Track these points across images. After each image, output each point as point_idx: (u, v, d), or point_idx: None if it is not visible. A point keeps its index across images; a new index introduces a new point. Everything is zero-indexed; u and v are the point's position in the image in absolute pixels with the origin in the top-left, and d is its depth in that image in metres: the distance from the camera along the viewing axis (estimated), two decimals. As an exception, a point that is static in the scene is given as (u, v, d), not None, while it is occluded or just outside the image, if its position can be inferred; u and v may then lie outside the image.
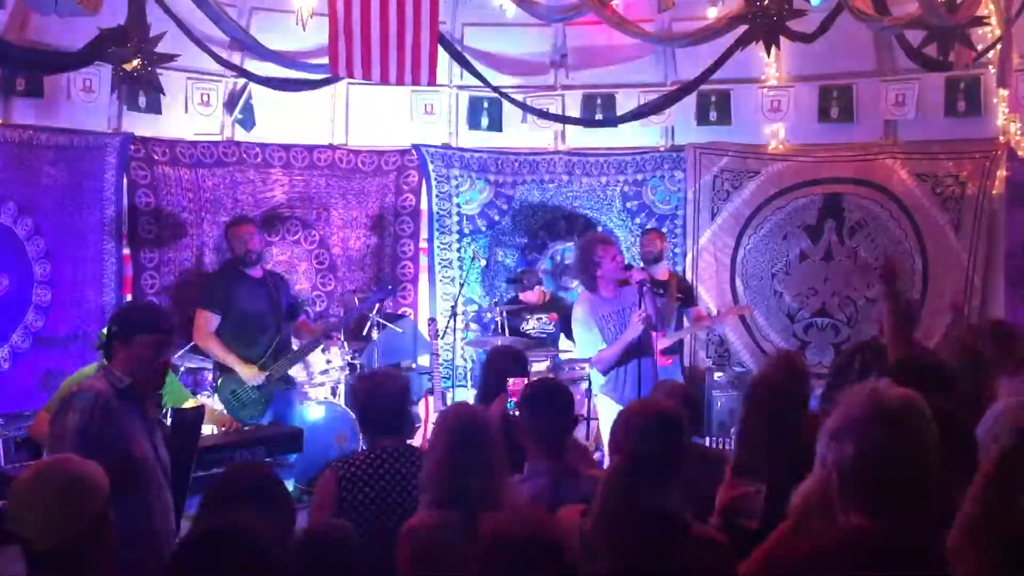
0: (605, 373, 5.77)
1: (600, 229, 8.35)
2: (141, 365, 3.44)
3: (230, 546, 2.20)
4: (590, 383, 6.28)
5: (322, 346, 6.70)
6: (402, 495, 3.48)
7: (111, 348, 3.48)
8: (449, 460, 2.95)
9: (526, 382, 4.13)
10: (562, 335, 7.59)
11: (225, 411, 6.01)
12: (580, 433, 6.77)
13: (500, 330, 7.41)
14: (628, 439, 2.76)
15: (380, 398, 3.66)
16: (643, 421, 2.78)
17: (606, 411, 5.83)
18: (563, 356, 7.47)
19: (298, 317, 6.67)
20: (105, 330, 3.67)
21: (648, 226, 8.30)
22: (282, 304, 6.36)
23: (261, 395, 6.14)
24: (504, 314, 7.48)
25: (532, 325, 7.62)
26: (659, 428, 2.74)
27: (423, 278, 8.47)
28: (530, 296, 7.82)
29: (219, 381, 6.26)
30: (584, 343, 5.84)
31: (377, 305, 7.33)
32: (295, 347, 6.52)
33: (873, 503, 2.08)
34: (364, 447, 3.72)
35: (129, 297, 7.46)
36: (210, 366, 6.59)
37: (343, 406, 7.01)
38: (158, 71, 6.58)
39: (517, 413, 4.05)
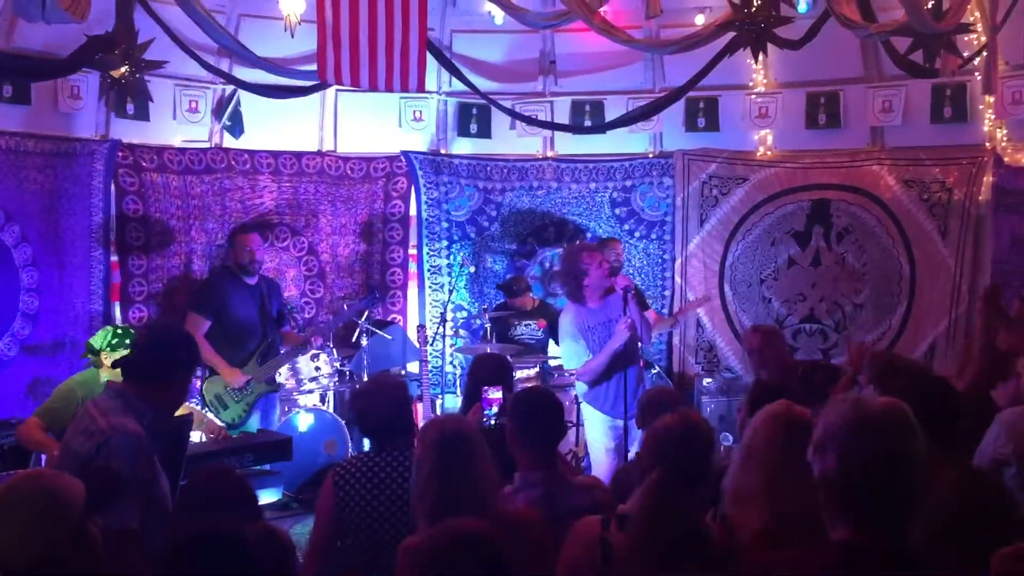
0: (592, 384, 5.74)
1: (589, 236, 8.36)
2: (172, 405, 3.35)
3: (220, 549, 2.18)
4: (577, 391, 6.27)
5: (308, 352, 6.76)
6: (399, 499, 3.46)
7: (165, 372, 3.26)
8: (437, 475, 2.94)
9: (502, 391, 4.11)
10: (551, 341, 7.58)
11: (208, 412, 6.04)
12: (570, 439, 6.77)
13: (488, 337, 7.40)
14: (670, 454, 2.80)
15: (382, 404, 3.66)
16: (684, 436, 2.83)
17: (590, 419, 5.84)
18: (552, 363, 7.46)
19: (285, 325, 6.77)
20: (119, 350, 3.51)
21: (636, 233, 8.31)
22: (272, 310, 6.44)
23: (243, 398, 6.28)
24: (493, 321, 7.47)
25: (521, 332, 7.61)
26: (698, 442, 2.84)
27: (412, 285, 8.46)
28: (519, 303, 7.81)
29: (204, 383, 6.33)
30: (570, 355, 5.81)
31: (365, 312, 7.34)
32: (281, 352, 6.57)
33: (858, 513, 2.05)
34: (366, 452, 3.70)
35: (117, 305, 7.43)
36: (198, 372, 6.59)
37: (332, 413, 7.00)
38: (146, 78, 6.57)
39: (494, 423, 4.05)
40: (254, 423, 6.43)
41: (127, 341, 4.99)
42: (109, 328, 5.24)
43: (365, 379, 4.29)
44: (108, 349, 5.05)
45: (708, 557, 2.51)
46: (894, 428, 2.06)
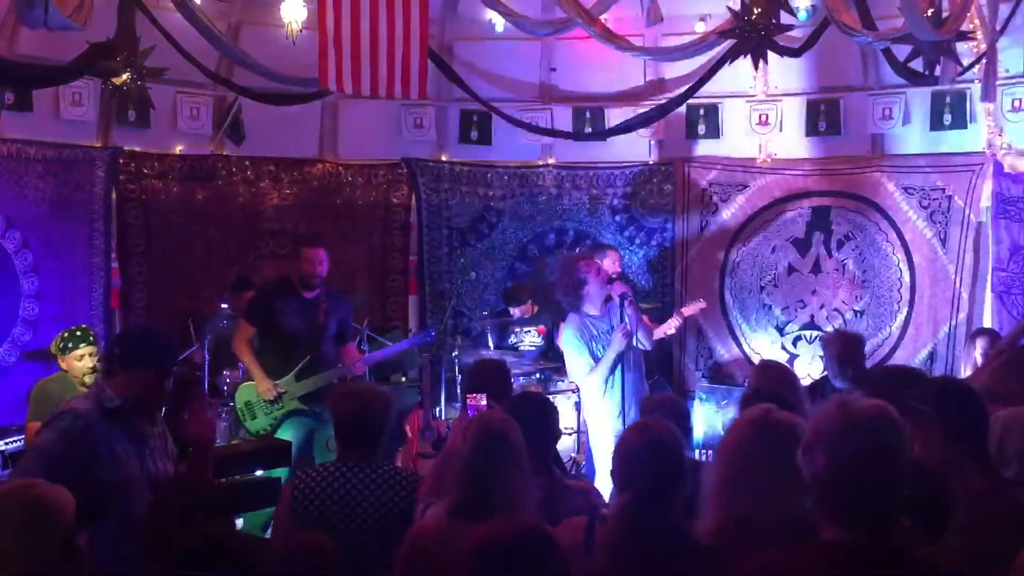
0: (597, 393, 5.69)
1: (589, 243, 8.36)
2: (136, 394, 3.38)
3: (228, 554, 2.18)
4: (579, 397, 6.26)
5: (346, 375, 6.40)
6: (352, 509, 3.46)
7: (111, 366, 3.43)
8: (472, 470, 2.93)
9: (487, 398, 4.09)
10: (549, 348, 7.58)
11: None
12: (570, 446, 6.77)
13: (488, 343, 7.40)
14: (631, 473, 2.76)
15: (355, 413, 3.63)
16: (642, 453, 2.78)
17: (594, 427, 5.81)
18: (550, 369, 7.45)
19: (347, 342, 6.41)
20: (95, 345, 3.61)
21: (637, 240, 8.32)
22: (327, 326, 6.14)
23: (272, 411, 6.02)
24: (492, 327, 7.47)
25: (520, 338, 7.62)
26: (656, 456, 2.76)
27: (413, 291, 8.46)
28: (519, 309, 7.82)
29: (238, 387, 6.20)
30: (575, 366, 5.77)
31: (365, 319, 7.22)
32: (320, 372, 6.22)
33: (847, 513, 2.09)
34: (331, 461, 3.70)
35: (118, 311, 7.44)
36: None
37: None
38: (147, 85, 6.57)
39: None
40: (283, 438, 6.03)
41: (79, 341, 5.23)
42: (64, 331, 5.37)
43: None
44: (60, 352, 5.23)
45: (690, 554, 2.56)
46: (880, 429, 2.10)
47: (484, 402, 4.09)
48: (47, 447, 3.21)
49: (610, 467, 2.91)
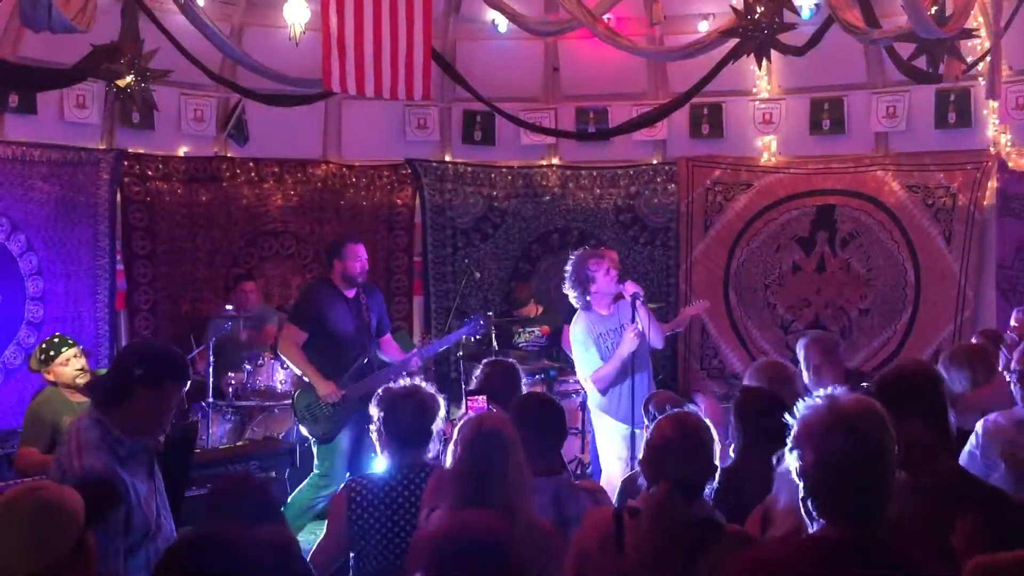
0: (605, 392, 5.67)
1: (593, 242, 8.35)
2: (161, 413, 3.17)
3: (209, 553, 2.17)
4: (585, 397, 6.25)
5: (407, 372, 6.31)
6: (413, 517, 3.43)
7: (125, 391, 3.11)
8: (466, 471, 2.92)
9: (485, 400, 4.07)
10: (553, 348, 7.58)
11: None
12: (575, 447, 6.77)
13: (492, 343, 7.40)
14: (666, 464, 2.80)
15: (401, 414, 3.58)
16: (683, 446, 2.81)
17: (604, 429, 5.77)
18: (555, 369, 7.44)
19: (385, 334, 6.33)
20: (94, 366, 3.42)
21: (641, 239, 8.32)
22: (371, 323, 6.10)
23: (336, 413, 5.87)
24: (496, 328, 7.47)
25: (524, 338, 7.62)
26: (698, 448, 2.82)
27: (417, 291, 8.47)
28: (523, 309, 7.82)
29: (296, 393, 6.10)
30: (581, 363, 5.77)
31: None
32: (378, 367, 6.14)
33: (835, 509, 2.11)
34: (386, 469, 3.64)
35: (122, 313, 7.45)
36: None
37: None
38: (151, 87, 6.58)
39: None
40: (343, 442, 5.90)
41: (59, 346, 5.13)
42: (39, 345, 5.31)
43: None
44: (43, 365, 5.15)
45: (723, 540, 2.65)
46: (867, 425, 2.12)
47: (483, 404, 4.06)
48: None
49: (641, 457, 2.95)
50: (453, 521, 2.44)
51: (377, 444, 3.67)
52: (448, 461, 3.04)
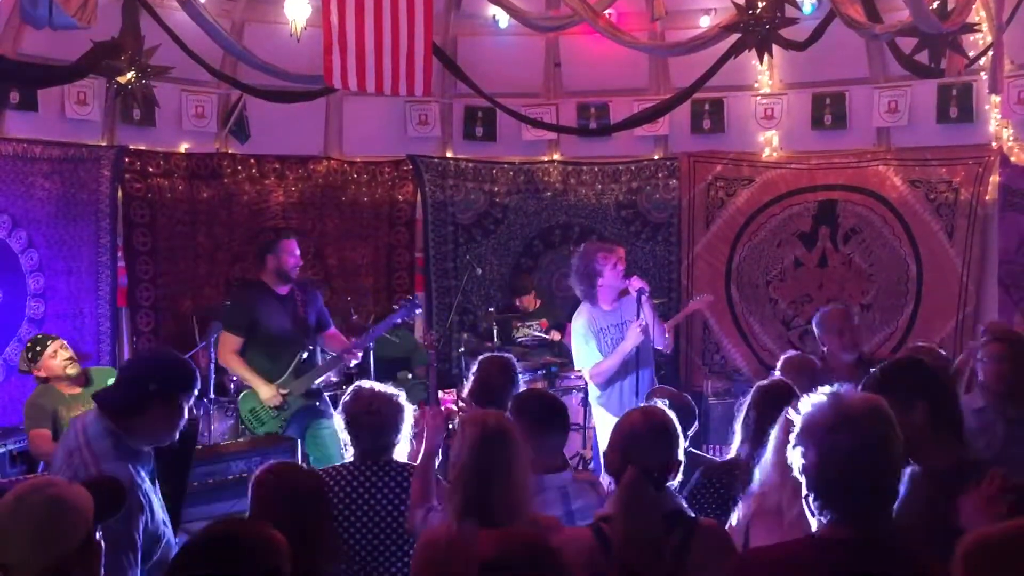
0: (604, 386, 5.68)
1: (595, 238, 8.34)
2: (173, 423, 3.17)
3: (224, 550, 2.18)
4: (587, 392, 6.25)
5: (343, 366, 6.41)
6: (371, 507, 3.51)
7: (139, 405, 3.11)
8: (473, 473, 2.89)
9: (453, 396, 4.10)
10: (553, 343, 7.58)
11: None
12: (577, 442, 6.77)
13: (492, 338, 7.40)
14: (636, 454, 2.81)
15: (361, 428, 3.67)
16: (650, 435, 2.84)
17: (603, 423, 5.76)
18: (555, 365, 7.44)
19: (327, 328, 6.34)
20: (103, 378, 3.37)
21: (642, 235, 8.31)
22: (308, 319, 6.10)
23: (280, 413, 5.95)
24: (496, 323, 7.47)
25: (524, 333, 7.62)
26: (664, 438, 2.84)
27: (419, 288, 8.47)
28: (524, 298, 7.82)
29: (240, 396, 6.12)
30: (581, 355, 5.76)
31: (372, 316, 7.25)
32: (320, 363, 6.22)
33: (839, 507, 2.09)
34: (350, 461, 3.71)
35: (124, 309, 7.44)
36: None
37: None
38: (152, 84, 6.58)
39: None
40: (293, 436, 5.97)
41: (43, 341, 5.26)
42: (26, 345, 5.39)
43: (369, 384, 4.11)
44: (32, 363, 5.23)
45: (698, 534, 2.71)
46: (871, 423, 2.10)
47: (453, 399, 4.09)
48: (121, 536, 2.90)
49: (606, 447, 2.97)
50: (510, 539, 2.49)
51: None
52: (450, 461, 3.04)
